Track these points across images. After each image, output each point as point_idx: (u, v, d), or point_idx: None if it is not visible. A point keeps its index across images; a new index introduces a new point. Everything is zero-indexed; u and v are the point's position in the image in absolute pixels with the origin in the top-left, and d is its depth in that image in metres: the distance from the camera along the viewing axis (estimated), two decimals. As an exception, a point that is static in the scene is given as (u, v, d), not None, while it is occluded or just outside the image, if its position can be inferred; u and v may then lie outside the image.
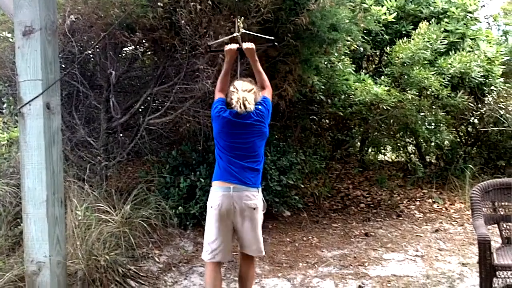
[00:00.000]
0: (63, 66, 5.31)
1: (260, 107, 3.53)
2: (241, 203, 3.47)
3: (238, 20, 3.87)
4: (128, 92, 6.15)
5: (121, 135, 5.73)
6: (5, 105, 5.11)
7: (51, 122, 3.42)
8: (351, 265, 4.94)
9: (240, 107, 3.38)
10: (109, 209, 4.28)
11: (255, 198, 3.55)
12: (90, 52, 5.65)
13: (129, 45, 5.85)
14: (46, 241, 3.35)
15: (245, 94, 3.42)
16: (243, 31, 3.83)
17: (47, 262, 3.34)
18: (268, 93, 3.69)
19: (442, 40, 7.24)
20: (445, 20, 7.62)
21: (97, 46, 5.54)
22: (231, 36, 3.81)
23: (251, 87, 3.56)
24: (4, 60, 5.11)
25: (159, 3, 5.36)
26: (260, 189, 3.64)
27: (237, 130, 3.48)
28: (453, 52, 7.38)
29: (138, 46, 5.99)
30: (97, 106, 5.54)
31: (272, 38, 4.04)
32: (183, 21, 5.27)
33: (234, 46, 3.72)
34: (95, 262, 3.79)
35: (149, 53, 6.46)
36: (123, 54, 6.13)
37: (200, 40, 5.30)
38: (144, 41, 5.84)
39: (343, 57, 7.48)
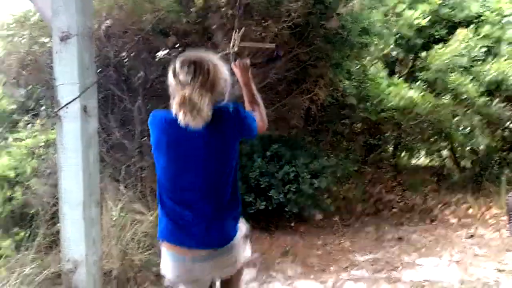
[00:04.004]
0: (99, 70, 5.42)
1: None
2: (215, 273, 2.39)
3: (236, 34, 2.94)
4: (161, 95, 6.23)
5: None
6: (43, 108, 5.24)
7: (87, 125, 3.49)
8: (384, 269, 4.88)
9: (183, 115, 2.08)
10: (143, 210, 4.34)
11: (236, 249, 2.37)
12: (125, 56, 5.75)
13: (163, 49, 5.94)
14: (82, 241, 3.42)
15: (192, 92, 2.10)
16: (241, 44, 2.91)
17: (83, 261, 3.41)
18: (257, 120, 2.36)
19: (480, 48, 7.13)
20: (480, 24, 7.51)
21: (131, 50, 5.65)
22: (225, 52, 2.86)
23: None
24: (42, 64, 5.24)
25: (192, 9, 5.44)
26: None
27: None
28: (491, 58, 7.24)
29: (171, 51, 6.08)
30: (131, 109, 5.64)
31: (275, 44, 3.27)
32: (215, 26, 5.34)
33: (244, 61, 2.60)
34: (130, 261, 3.85)
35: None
36: (157, 59, 6.23)
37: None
38: (177, 45, 5.92)
39: (376, 61, 7.45)
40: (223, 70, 2.23)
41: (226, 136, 2.18)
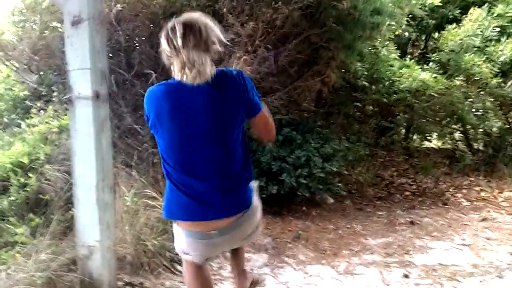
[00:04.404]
0: (110, 55, 5.41)
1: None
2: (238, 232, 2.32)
3: None
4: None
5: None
6: (55, 93, 5.24)
7: (99, 110, 3.48)
8: (396, 253, 4.88)
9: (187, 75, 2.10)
10: (156, 195, 4.35)
11: (255, 211, 2.38)
12: (136, 40, 5.73)
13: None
14: (96, 226, 3.44)
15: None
16: None
17: (97, 246, 3.43)
18: (265, 112, 2.36)
19: (494, 27, 7.03)
20: (494, 3, 7.39)
21: (142, 35, 5.63)
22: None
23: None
24: (53, 50, 5.24)
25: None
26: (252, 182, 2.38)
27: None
28: (504, 38, 7.14)
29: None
30: (143, 94, 5.63)
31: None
32: (225, 9, 5.30)
33: None
34: (143, 246, 3.87)
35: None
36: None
37: (242, 28, 5.32)
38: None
39: (388, 42, 7.37)
40: (215, 29, 2.20)
41: (229, 95, 2.15)
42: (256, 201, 2.38)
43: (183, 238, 2.30)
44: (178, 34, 2.08)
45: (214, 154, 2.16)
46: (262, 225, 2.49)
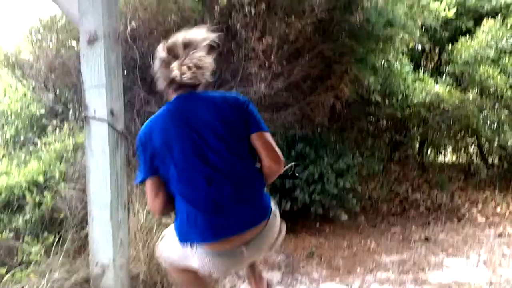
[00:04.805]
0: (125, 72, 5.46)
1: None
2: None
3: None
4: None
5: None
6: (70, 111, 5.30)
7: (115, 128, 3.51)
8: (411, 271, 4.84)
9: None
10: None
11: (276, 213, 2.35)
12: (150, 57, 5.78)
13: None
14: (110, 244, 3.45)
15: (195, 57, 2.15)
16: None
17: (111, 265, 3.44)
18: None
19: (508, 38, 6.99)
20: (508, 14, 7.35)
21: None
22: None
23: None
24: (69, 68, 5.29)
25: (215, 8, 5.44)
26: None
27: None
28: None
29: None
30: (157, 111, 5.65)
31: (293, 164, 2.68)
32: (238, 25, 5.33)
33: None
34: (156, 265, 3.86)
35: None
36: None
37: (256, 44, 5.34)
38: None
39: (401, 55, 7.35)
40: (205, 40, 2.22)
41: (229, 102, 2.22)
42: (273, 204, 2.36)
43: (203, 259, 2.22)
44: (172, 51, 2.17)
45: (229, 164, 2.14)
46: (284, 227, 2.42)
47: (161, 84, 2.27)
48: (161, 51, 2.21)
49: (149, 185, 2.27)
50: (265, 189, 2.30)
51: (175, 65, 2.11)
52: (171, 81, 2.19)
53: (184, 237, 2.25)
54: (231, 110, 2.18)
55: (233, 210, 2.12)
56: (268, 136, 2.26)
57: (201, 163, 2.12)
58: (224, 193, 2.11)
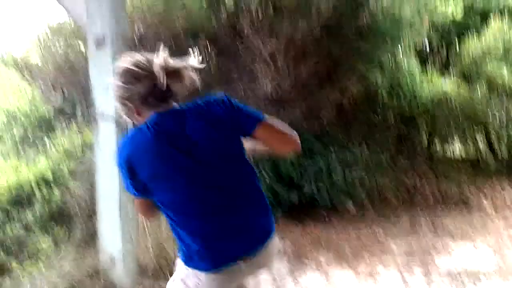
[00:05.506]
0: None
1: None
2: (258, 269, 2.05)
3: None
4: (193, 96, 6.32)
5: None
6: (79, 112, 5.41)
7: (122, 126, 3.59)
8: (418, 256, 4.82)
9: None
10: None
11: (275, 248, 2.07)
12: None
13: (194, 53, 6.02)
14: (119, 237, 3.53)
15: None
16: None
17: (120, 257, 3.52)
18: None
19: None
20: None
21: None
22: None
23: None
24: (77, 70, 5.39)
25: (222, 11, 5.52)
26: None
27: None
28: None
29: (203, 53, 6.16)
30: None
31: None
32: (245, 27, 5.40)
33: None
34: (165, 256, 3.93)
35: (214, 59, 6.63)
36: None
37: (264, 45, 5.40)
38: (209, 48, 6.01)
39: (408, 53, 7.36)
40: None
41: (212, 110, 1.86)
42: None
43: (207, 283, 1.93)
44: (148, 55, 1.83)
45: (227, 180, 1.88)
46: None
47: (127, 107, 1.87)
48: (123, 67, 1.83)
49: (139, 203, 2.01)
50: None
51: (156, 65, 1.77)
52: (149, 94, 1.82)
53: (191, 265, 1.93)
54: (222, 116, 1.86)
55: (240, 236, 1.89)
56: (268, 125, 1.93)
57: (199, 186, 1.83)
58: (230, 221, 1.87)
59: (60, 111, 5.68)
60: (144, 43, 5.54)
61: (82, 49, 5.51)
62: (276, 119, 1.98)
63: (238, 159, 1.93)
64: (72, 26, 5.49)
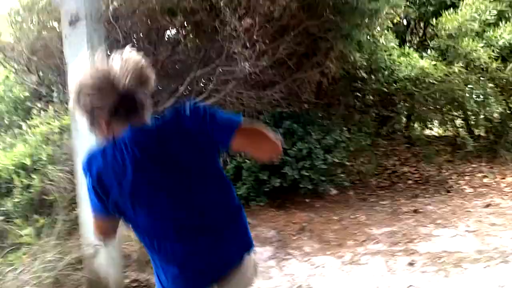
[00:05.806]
0: (108, 53, 5.39)
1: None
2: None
3: None
4: (172, 76, 6.19)
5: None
6: (55, 93, 5.23)
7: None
8: (401, 242, 4.89)
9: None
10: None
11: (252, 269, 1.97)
12: (134, 37, 5.72)
13: (171, 28, 5.89)
14: (101, 225, 3.44)
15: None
16: None
17: (103, 246, 3.44)
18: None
19: (491, 11, 6.99)
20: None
21: (140, 31, 5.61)
22: None
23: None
24: (52, 49, 5.21)
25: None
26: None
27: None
28: (503, 22, 7.10)
29: (180, 30, 6.02)
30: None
31: None
32: (221, 3, 5.28)
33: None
34: (149, 244, 3.87)
35: (191, 36, 6.49)
36: (166, 39, 6.18)
37: (239, 22, 5.30)
38: (185, 24, 5.87)
39: (386, 31, 7.34)
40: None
41: (190, 130, 1.70)
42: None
43: None
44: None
45: (201, 199, 1.76)
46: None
47: (93, 122, 1.76)
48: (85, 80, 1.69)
49: (102, 224, 1.90)
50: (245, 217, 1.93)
51: (119, 74, 1.67)
52: (118, 105, 1.69)
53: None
54: (194, 131, 1.69)
55: (214, 258, 1.80)
56: (245, 128, 1.75)
57: (177, 205, 1.73)
58: (204, 242, 1.77)
59: (35, 93, 5.51)
60: (119, 20, 5.38)
61: (57, 27, 5.30)
62: (256, 122, 1.83)
63: (213, 175, 1.81)
64: (44, 1, 5.28)
